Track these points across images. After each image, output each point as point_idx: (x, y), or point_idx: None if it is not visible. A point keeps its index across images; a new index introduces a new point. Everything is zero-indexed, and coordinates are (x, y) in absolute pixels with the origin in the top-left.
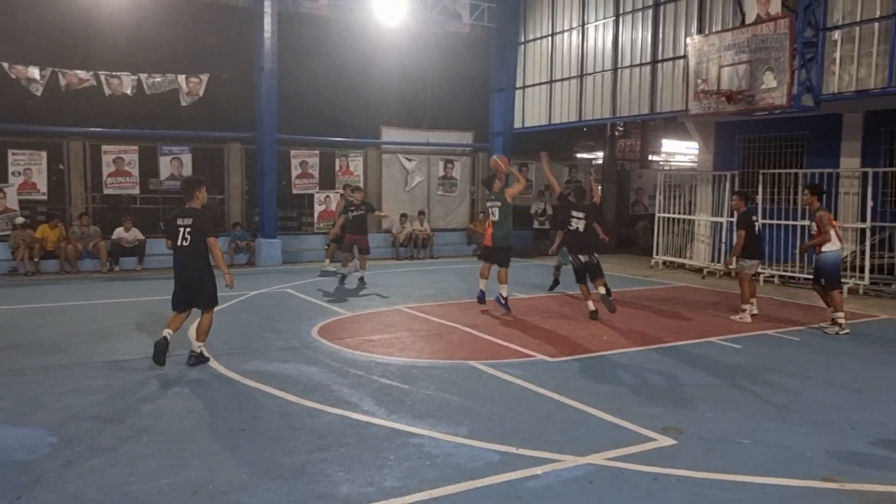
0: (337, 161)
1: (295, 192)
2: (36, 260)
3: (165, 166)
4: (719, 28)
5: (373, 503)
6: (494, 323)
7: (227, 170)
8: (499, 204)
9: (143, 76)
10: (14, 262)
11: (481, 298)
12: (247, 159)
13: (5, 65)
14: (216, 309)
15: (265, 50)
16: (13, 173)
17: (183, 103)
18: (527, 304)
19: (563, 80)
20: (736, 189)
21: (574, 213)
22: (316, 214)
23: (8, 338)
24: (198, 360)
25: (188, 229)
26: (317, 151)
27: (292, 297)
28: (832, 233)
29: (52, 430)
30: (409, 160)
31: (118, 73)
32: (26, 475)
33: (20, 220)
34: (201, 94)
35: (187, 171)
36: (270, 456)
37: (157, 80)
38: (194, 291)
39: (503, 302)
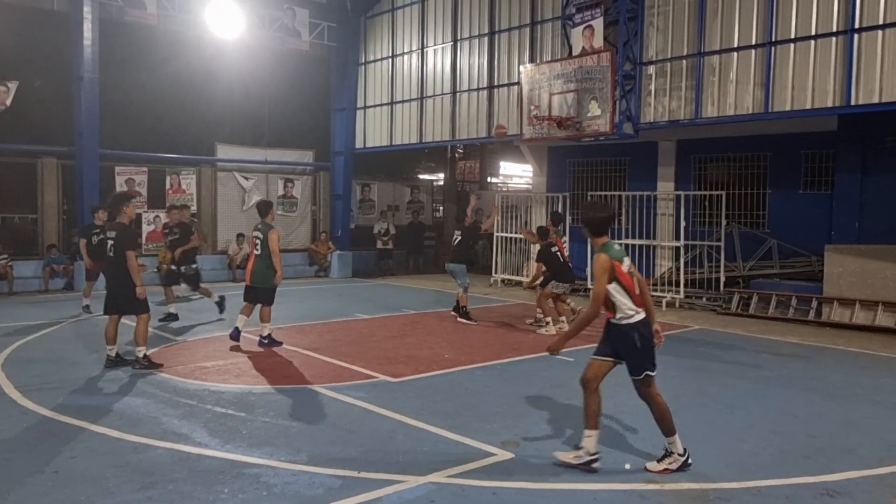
0: (168, 179)
1: None
2: None
3: None
4: (549, 58)
5: None
6: (336, 345)
7: (41, 186)
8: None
9: None
10: None
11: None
12: (64, 175)
13: None
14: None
15: (85, 58)
16: None
17: None
18: (370, 325)
19: (403, 101)
20: (547, 219)
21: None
22: (144, 235)
23: None
24: (146, 365)
25: (111, 242)
26: (145, 168)
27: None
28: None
29: None
30: (247, 178)
31: None
32: None
33: None
34: (8, 103)
35: None
36: (86, 500)
37: None
38: (122, 301)
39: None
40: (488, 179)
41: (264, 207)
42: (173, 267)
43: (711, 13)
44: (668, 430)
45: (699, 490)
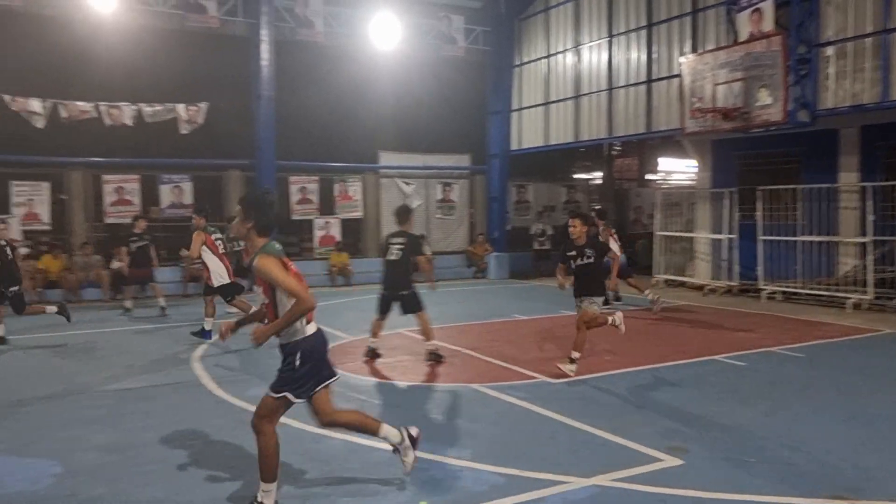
0: (336, 186)
1: (294, 217)
2: (39, 290)
3: (166, 195)
4: (713, 46)
5: None
6: (496, 345)
7: (227, 197)
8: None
9: (142, 106)
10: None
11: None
12: (246, 186)
13: (7, 97)
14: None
15: (263, 77)
16: (16, 204)
17: (182, 132)
18: (529, 326)
19: (559, 101)
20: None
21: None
22: (316, 240)
23: (10, 368)
24: (436, 357)
25: (400, 247)
26: (316, 177)
27: None
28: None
29: (56, 460)
30: (408, 184)
31: (118, 104)
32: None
33: (24, 250)
34: (200, 122)
35: (188, 199)
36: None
37: (157, 109)
38: (402, 299)
39: None
40: (647, 176)
41: (405, 213)
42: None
43: None
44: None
45: None
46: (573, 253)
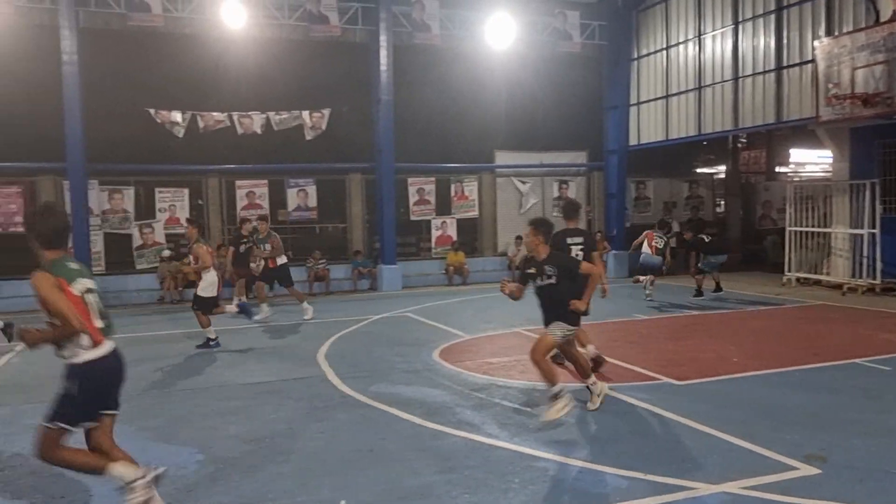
0: (452, 187)
1: (413, 218)
2: (180, 289)
3: (293, 198)
4: (850, 28)
5: None
6: (616, 345)
7: (349, 199)
8: None
9: (270, 114)
10: (161, 291)
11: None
12: (367, 188)
13: (152, 111)
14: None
15: (382, 82)
16: (160, 209)
17: (307, 137)
18: (650, 326)
19: (679, 93)
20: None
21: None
22: (433, 239)
23: (155, 361)
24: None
25: (580, 246)
26: (433, 178)
27: (413, 320)
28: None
29: (199, 447)
30: (524, 182)
31: (249, 113)
32: (178, 489)
33: (167, 252)
34: (324, 127)
35: (312, 202)
36: (396, 477)
37: (284, 116)
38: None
39: None
40: (776, 169)
41: (574, 209)
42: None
43: None
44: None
45: None
46: (532, 271)
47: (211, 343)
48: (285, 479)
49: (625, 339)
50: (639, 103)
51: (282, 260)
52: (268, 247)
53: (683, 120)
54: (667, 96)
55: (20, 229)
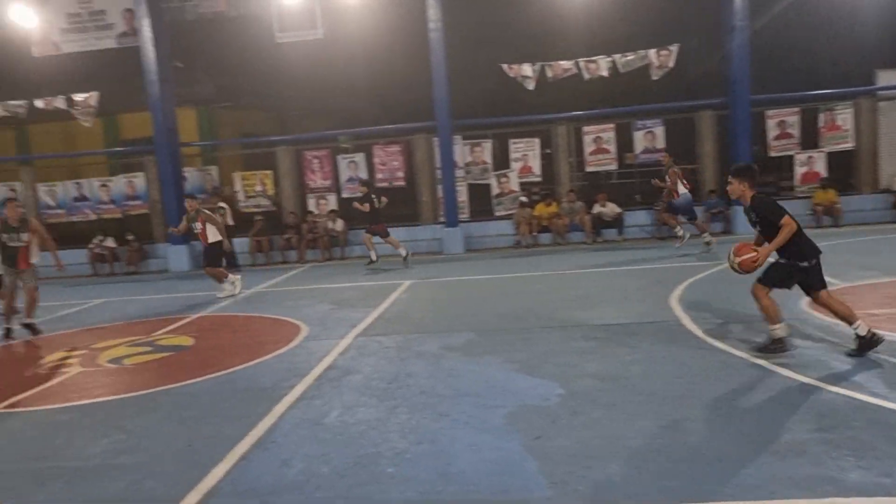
0: (820, 117)
1: (772, 154)
2: (534, 234)
3: (639, 140)
4: None
5: (892, 497)
6: None
7: (699, 138)
8: None
9: (616, 56)
10: (517, 236)
11: None
12: (719, 125)
13: (505, 66)
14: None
15: (735, 7)
16: (514, 159)
17: (654, 77)
18: None
19: None
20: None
21: None
22: (797, 177)
23: (515, 299)
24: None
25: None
26: (796, 109)
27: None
28: None
29: (559, 382)
30: None
31: (595, 58)
32: (542, 419)
33: (523, 199)
34: (671, 65)
35: (660, 143)
36: (766, 430)
37: (630, 58)
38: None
39: None
40: None
41: None
42: None
43: None
44: None
45: None
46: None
47: None
48: (644, 420)
49: None
50: None
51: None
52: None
53: None
54: None
55: (402, 183)
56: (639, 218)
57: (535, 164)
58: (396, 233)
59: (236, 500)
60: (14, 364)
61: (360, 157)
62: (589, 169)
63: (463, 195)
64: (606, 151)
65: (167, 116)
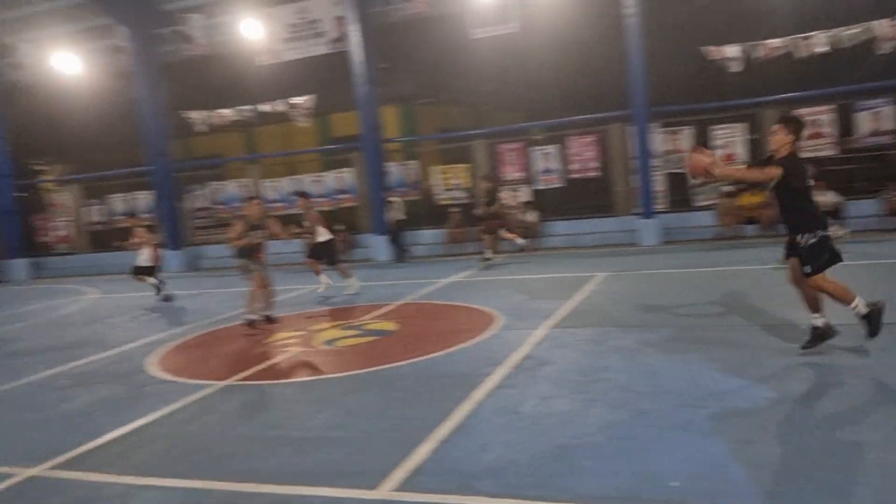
0: None
1: None
2: (739, 225)
3: (863, 122)
4: None
5: None
6: None
7: None
8: None
9: (838, 30)
10: (719, 227)
11: None
12: None
13: (707, 49)
14: None
15: None
16: (715, 147)
17: (879, 52)
18: None
19: None
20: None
21: None
22: None
23: (718, 298)
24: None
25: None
26: None
27: None
28: None
29: (768, 385)
30: None
31: (810, 34)
32: (751, 423)
33: (727, 188)
34: None
35: (888, 125)
36: None
37: (854, 31)
38: None
39: None
40: None
41: None
42: None
43: None
44: None
45: None
46: None
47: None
48: (877, 431)
49: None
50: None
51: None
52: None
53: None
54: None
55: (596, 174)
56: (862, 208)
57: (741, 151)
58: (589, 224)
59: (439, 478)
60: (244, 343)
61: (553, 149)
62: (802, 155)
63: (659, 185)
64: (821, 136)
65: (372, 115)
